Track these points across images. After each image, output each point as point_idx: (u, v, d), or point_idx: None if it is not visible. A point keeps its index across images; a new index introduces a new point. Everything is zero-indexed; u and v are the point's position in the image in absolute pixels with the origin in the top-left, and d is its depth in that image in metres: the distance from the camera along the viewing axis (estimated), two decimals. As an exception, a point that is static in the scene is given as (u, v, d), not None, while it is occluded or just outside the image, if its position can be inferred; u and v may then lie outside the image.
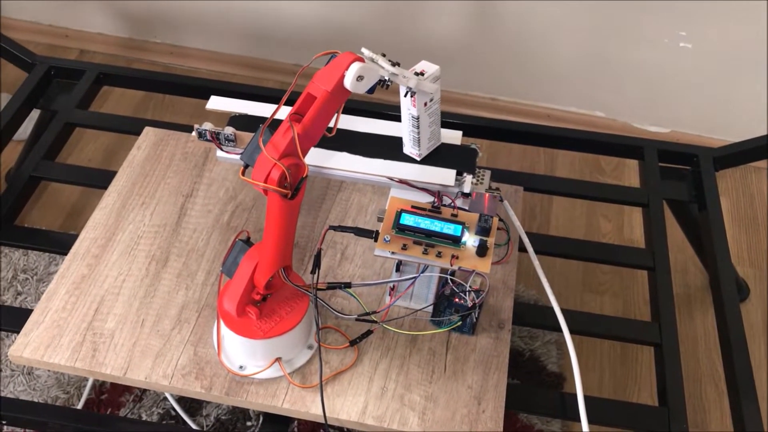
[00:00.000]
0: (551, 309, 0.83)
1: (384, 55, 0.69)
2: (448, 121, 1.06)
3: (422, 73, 0.74)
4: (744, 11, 1.21)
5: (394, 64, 0.69)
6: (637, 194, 1.03)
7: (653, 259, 0.93)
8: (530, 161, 1.37)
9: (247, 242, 0.75)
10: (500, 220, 0.87)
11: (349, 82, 0.65)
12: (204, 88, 1.15)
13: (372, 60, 0.68)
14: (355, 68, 0.65)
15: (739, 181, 1.36)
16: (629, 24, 1.29)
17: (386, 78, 0.69)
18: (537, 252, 0.89)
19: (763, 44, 1.24)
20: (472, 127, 1.09)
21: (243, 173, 0.68)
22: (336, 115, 0.69)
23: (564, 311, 0.84)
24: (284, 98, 0.69)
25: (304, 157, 0.67)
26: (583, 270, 1.19)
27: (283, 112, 0.70)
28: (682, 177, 1.05)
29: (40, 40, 1.56)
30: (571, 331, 0.82)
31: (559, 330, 0.82)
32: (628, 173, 1.36)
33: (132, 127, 1.08)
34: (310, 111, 0.66)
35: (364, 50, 0.68)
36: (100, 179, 1.01)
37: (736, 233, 1.28)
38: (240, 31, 1.49)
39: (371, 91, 0.69)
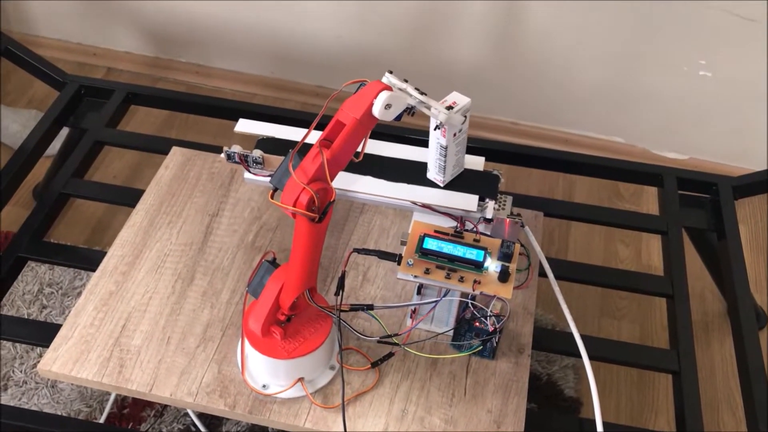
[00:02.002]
0: (569, 334, 0.84)
1: (406, 81, 0.71)
2: (469, 145, 1.08)
3: (453, 106, 0.75)
4: (762, 41, 1.23)
5: (421, 93, 0.71)
6: (656, 221, 1.04)
7: (672, 287, 0.94)
8: (549, 185, 1.38)
9: (273, 263, 0.76)
10: (521, 245, 0.89)
11: (377, 111, 0.66)
12: (228, 109, 1.17)
13: (401, 89, 0.69)
14: (383, 97, 0.66)
15: (757, 208, 1.36)
16: (649, 51, 1.30)
17: (413, 105, 0.70)
18: (556, 277, 0.90)
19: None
20: (493, 151, 1.10)
21: (272, 196, 0.70)
22: (363, 140, 0.71)
23: (583, 337, 0.85)
24: (314, 124, 0.70)
25: (331, 181, 0.69)
26: (600, 295, 1.19)
27: (310, 137, 0.71)
28: (701, 205, 1.06)
29: (68, 58, 1.60)
30: (590, 357, 0.83)
31: (577, 355, 0.83)
32: (647, 198, 1.37)
33: (158, 145, 1.11)
34: (339, 137, 0.68)
35: (393, 80, 0.69)
36: (126, 197, 1.04)
37: (755, 261, 1.28)
38: (263, 53, 1.52)
39: (398, 118, 0.70)
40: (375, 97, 0.67)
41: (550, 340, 0.93)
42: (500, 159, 1.11)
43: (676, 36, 1.27)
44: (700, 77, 1.30)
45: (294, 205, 0.67)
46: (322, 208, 0.69)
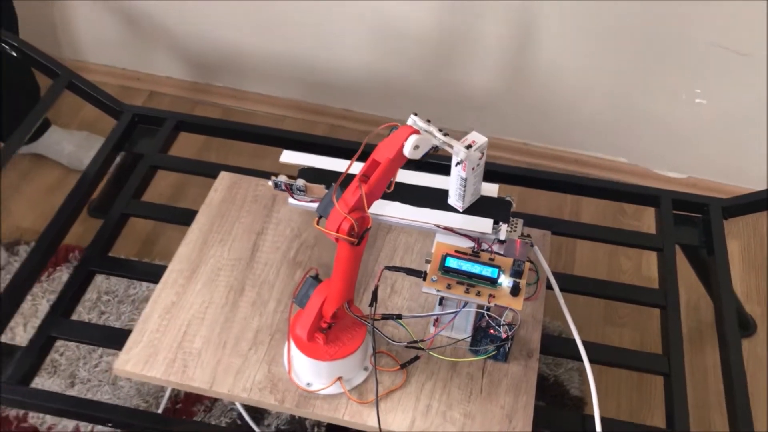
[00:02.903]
0: (573, 340, 0.95)
1: (429, 121, 0.82)
2: (487, 169, 1.19)
3: (472, 144, 0.87)
4: (751, 72, 1.34)
5: (444, 134, 0.83)
6: (652, 239, 1.15)
7: (665, 299, 1.05)
8: (558, 203, 1.49)
9: (316, 278, 0.88)
10: (530, 262, 1.01)
11: (407, 152, 0.78)
12: (262, 136, 1.27)
13: (426, 131, 0.81)
14: (412, 140, 0.78)
15: (750, 225, 1.47)
16: (650, 81, 1.41)
17: (437, 145, 0.82)
18: (562, 290, 1.02)
19: (773, 101, 1.37)
20: (508, 175, 1.21)
21: (318, 222, 0.82)
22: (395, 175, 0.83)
23: (585, 343, 0.96)
24: (353, 159, 0.81)
25: (369, 207, 0.80)
26: (604, 305, 1.31)
27: (341, 165, 0.82)
28: (694, 224, 1.17)
29: (114, 82, 1.73)
30: (591, 361, 0.94)
31: (580, 359, 0.95)
32: (648, 215, 1.48)
33: (204, 169, 1.23)
34: (375, 174, 0.79)
35: (418, 121, 0.81)
36: (176, 215, 1.17)
37: (746, 274, 1.39)
38: (294, 78, 1.63)
39: (424, 156, 0.82)
40: (405, 140, 0.79)
41: (557, 346, 1.04)
42: (513, 182, 1.22)
43: (674, 67, 1.38)
44: (696, 104, 1.41)
45: (337, 231, 0.79)
46: (360, 233, 0.81)
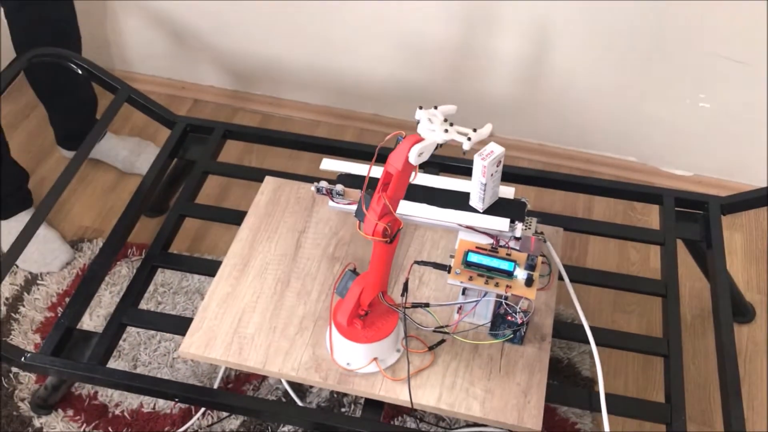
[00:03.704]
0: (584, 326, 1.08)
1: (436, 107, 0.84)
2: (506, 171, 1.29)
3: (491, 154, 1.00)
4: (749, 78, 1.44)
5: (450, 124, 0.84)
6: (656, 235, 1.26)
7: (666, 289, 1.17)
8: (572, 200, 1.60)
9: (354, 272, 1.01)
10: (544, 256, 1.13)
11: (413, 160, 0.84)
12: (298, 142, 1.39)
13: (429, 129, 0.84)
14: (416, 150, 0.83)
15: (753, 218, 1.57)
16: (658, 86, 1.51)
17: (440, 143, 0.86)
18: (573, 281, 1.15)
19: (773, 104, 1.47)
20: (524, 176, 1.33)
21: (359, 227, 0.93)
22: (414, 173, 0.88)
23: (593, 328, 1.09)
24: (371, 166, 0.90)
25: (395, 210, 0.89)
26: (614, 294, 1.42)
27: (375, 171, 0.89)
28: (696, 219, 1.28)
29: (160, 91, 1.86)
30: (598, 344, 1.07)
31: (588, 342, 1.07)
32: (656, 211, 1.57)
33: (248, 174, 1.37)
34: (392, 184, 0.87)
35: (423, 115, 0.84)
36: (225, 216, 1.31)
37: (748, 263, 1.50)
38: (326, 86, 1.74)
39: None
40: (409, 151, 0.83)
41: (569, 331, 1.16)
42: (530, 182, 1.33)
43: (680, 73, 1.47)
44: (700, 108, 1.52)
45: (372, 235, 0.91)
46: (392, 233, 0.93)
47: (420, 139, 0.84)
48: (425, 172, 1.29)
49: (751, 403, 1.29)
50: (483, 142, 0.89)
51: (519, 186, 1.34)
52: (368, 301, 0.98)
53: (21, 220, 1.49)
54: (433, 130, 0.84)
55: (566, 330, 1.16)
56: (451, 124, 0.84)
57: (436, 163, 1.32)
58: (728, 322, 1.12)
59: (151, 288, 1.43)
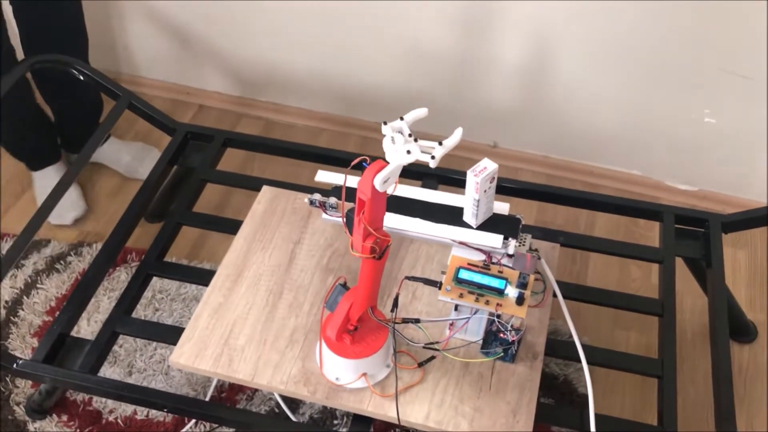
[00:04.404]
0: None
1: (402, 119, 0.81)
2: (508, 186, 1.30)
3: (484, 170, 0.99)
4: (755, 94, 1.42)
5: (415, 140, 0.82)
6: (655, 252, 1.25)
7: (663, 309, 1.15)
8: (575, 215, 1.59)
9: (345, 286, 1.01)
10: (538, 273, 1.12)
11: (379, 187, 0.82)
12: (298, 152, 1.40)
13: (391, 152, 0.81)
14: (380, 179, 0.81)
15: (758, 236, 1.55)
16: (663, 101, 1.50)
17: (406, 164, 0.83)
18: (570, 298, 1.13)
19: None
20: (524, 191, 1.32)
21: (352, 246, 0.91)
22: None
23: (587, 347, 1.08)
24: (345, 180, 0.89)
25: (380, 228, 0.87)
26: (613, 311, 1.40)
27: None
28: (696, 237, 1.26)
29: (166, 96, 1.87)
30: (592, 363, 1.06)
31: (588, 362, 1.05)
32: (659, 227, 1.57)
33: (247, 183, 1.37)
34: (366, 210, 0.85)
35: (388, 133, 0.82)
36: (222, 225, 1.31)
37: (751, 282, 1.48)
38: (330, 94, 1.74)
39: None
40: (373, 179, 0.81)
41: (564, 349, 1.14)
42: (532, 197, 1.32)
43: (685, 88, 1.46)
44: (705, 123, 1.50)
45: (360, 253, 0.90)
46: (380, 251, 0.92)
47: (383, 166, 0.81)
48: (423, 184, 1.28)
49: (750, 423, 1.27)
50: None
51: (521, 200, 1.33)
52: (357, 316, 0.98)
53: (48, 174, 1.59)
54: (396, 151, 0.81)
55: (562, 348, 1.15)
56: (416, 140, 0.81)
57: (434, 175, 1.31)
58: (725, 342, 1.10)
59: (148, 294, 1.43)
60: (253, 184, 1.32)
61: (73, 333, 1.15)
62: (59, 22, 1.46)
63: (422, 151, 0.82)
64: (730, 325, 1.14)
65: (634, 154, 1.62)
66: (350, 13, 1.58)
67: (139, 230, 1.32)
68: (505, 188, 1.31)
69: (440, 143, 0.82)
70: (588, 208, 1.32)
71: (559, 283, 1.12)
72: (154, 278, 1.38)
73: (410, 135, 0.83)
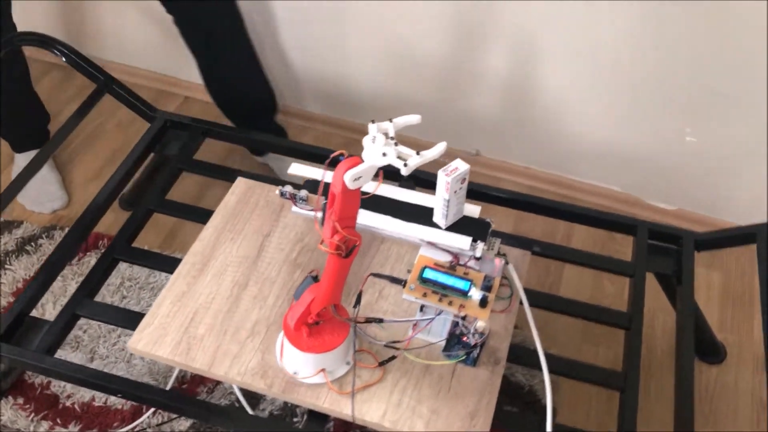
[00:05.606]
0: (544, 353, 1.06)
1: (390, 120, 0.79)
2: (487, 192, 1.29)
3: (455, 170, 0.98)
4: (739, 113, 1.42)
5: (396, 144, 0.80)
6: (626, 266, 1.24)
7: (630, 321, 1.15)
8: (553, 226, 1.59)
9: (315, 278, 1.00)
10: (505, 278, 1.11)
11: (350, 185, 0.79)
12: (278, 146, 1.41)
13: (372, 154, 0.79)
14: (349, 176, 0.79)
15: (733, 257, 1.55)
16: (645, 118, 1.49)
17: (381, 166, 0.81)
18: (538, 306, 1.12)
19: (759, 139, 1.44)
20: (499, 198, 1.31)
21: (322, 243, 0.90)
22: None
23: (551, 356, 1.06)
24: (322, 179, 0.89)
25: (351, 227, 0.85)
26: (583, 324, 1.40)
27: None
28: (668, 254, 1.26)
29: (152, 86, 1.86)
30: (555, 372, 1.05)
31: (551, 371, 1.04)
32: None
33: (223, 174, 1.36)
34: (336, 205, 0.83)
35: (373, 131, 0.79)
36: (196, 214, 1.29)
37: (723, 302, 1.47)
38: (316, 93, 1.74)
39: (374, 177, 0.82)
40: (343, 176, 0.79)
41: (528, 357, 1.13)
42: (510, 205, 1.31)
43: (667, 106, 1.47)
44: (686, 142, 1.50)
45: (328, 248, 0.89)
46: (348, 249, 0.91)
47: (356, 163, 0.80)
48: (401, 185, 1.27)
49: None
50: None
51: (498, 209, 1.33)
52: (317, 310, 0.97)
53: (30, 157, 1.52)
54: (373, 151, 0.80)
55: (526, 355, 1.13)
56: (396, 144, 0.80)
57: (412, 177, 1.30)
58: (689, 357, 1.09)
59: (117, 281, 1.42)
60: (231, 177, 1.31)
61: (37, 315, 1.14)
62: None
63: (398, 157, 0.80)
64: (700, 345, 1.13)
65: (615, 170, 1.61)
66: (340, 14, 1.58)
67: (114, 217, 1.31)
68: (482, 194, 1.30)
69: (418, 153, 0.81)
70: (562, 218, 1.32)
71: (527, 291, 1.11)
72: (125, 266, 1.37)
73: (392, 138, 0.81)
